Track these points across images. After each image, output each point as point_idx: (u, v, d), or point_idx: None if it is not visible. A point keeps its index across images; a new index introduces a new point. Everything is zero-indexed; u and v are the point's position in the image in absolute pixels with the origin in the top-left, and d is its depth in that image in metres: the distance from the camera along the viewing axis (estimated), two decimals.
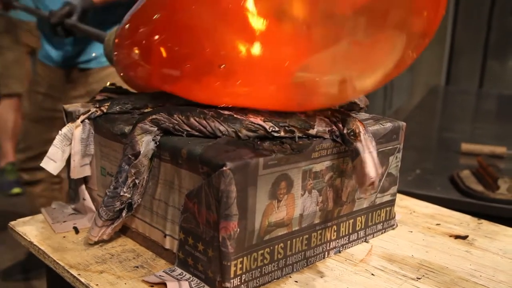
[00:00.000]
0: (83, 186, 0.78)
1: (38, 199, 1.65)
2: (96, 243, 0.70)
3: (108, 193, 0.67)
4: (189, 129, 0.63)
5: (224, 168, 0.56)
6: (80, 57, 1.52)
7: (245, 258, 0.60)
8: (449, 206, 0.91)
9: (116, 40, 0.76)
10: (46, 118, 1.58)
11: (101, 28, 1.10)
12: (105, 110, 0.72)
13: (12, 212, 2.20)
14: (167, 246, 0.66)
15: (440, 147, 1.83)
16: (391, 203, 0.78)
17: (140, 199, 0.68)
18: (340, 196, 0.69)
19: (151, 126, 0.63)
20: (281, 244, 0.64)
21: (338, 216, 0.70)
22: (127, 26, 0.72)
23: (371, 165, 0.65)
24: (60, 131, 0.74)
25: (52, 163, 0.74)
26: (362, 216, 0.74)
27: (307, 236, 0.66)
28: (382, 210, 0.77)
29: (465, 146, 1.63)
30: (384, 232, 0.78)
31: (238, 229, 0.58)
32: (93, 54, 1.50)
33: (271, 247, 0.63)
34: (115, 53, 0.77)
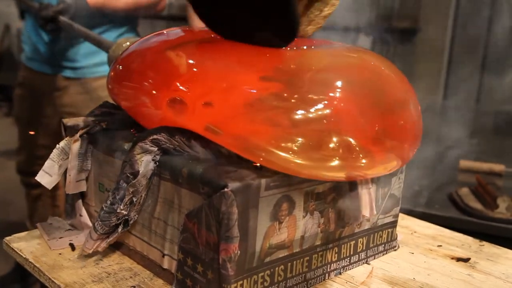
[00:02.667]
0: (80, 202, 0.77)
1: (38, 202, 1.63)
2: (91, 257, 0.69)
3: (104, 208, 0.65)
4: (190, 151, 0.62)
5: (226, 189, 0.55)
6: (68, 63, 1.48)
7: (245, 280, 0.59)
8: (447, 224, 0.90)
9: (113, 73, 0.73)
10: (36, 123, 1.55)
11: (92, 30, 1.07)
12: (104, 126, 0.72)
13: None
14: (165, 266, 0.65)
15: (438, 164, 1.83)
16: (393, 224, 0.77)
17: (137, 216, 0.66)
18: (342, 218, 0.68)
19: (151, 146, 0.62)
20: (282, 266, 0.62)
21: (339, 238, 0.69)
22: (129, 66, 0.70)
23: (366, 204, 0.65)
24: (57, 145, 0.73)
25: (47, 176, 0.73)
26: (364, 238, 0.72)
27: (307, 258, 0.65)
28: (384, 231, 0.76)
29: (464, 163, 1.62)
30: (386, 253, 0.77)
31: (239, 251, 0.57)
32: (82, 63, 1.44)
33: (272, 270, 0.61)
34: (112, 85, 0.74)
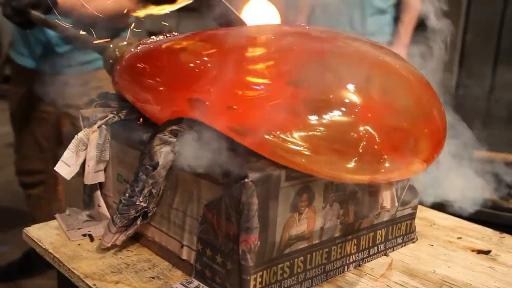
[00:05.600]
0: (98, 192, 0.77)
1: (39, 201, 1.63)
2: (110, 249, 0.68)
3: (123, 201, 0.65)
4: (210, 142, 0.61)
5: (246, 180, 0.54)
6: (64, 60, 1.44)
7: (264, 272, 0.58)
8: (462, 215, 0.88)
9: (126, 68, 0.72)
10: (32, 118, 1.53)
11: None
12: (122, 117, 0.71)
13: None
14: (184, 256, 0.64)
15: (452, 154, 1.80)
16: (412, 216, 0.76)
17: (156, 208, 0.66)
18: (362, 209, 0.67)
19: (170, 137, 0.62)
20: (301, 258, 0.62)
21: (358, 229, 0.68)
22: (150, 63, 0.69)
23: (387, 196, 0.64)
24: (76, 136, 0.73)
25: (66, 167, 0.73)
26: (383, 230, 0.72)
27: (327, 249, 0.65)
28: (403, 223, 0.75)
29: (478, 154, 1.60)
30: (404, 245, 0.76)
31: (259, 242, 0.56)
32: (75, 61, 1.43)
33: (291, 261, 0.61)
34: (120, 80, 0.74)
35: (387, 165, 0.59)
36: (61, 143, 1.50)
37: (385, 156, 0.59)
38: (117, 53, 0.77)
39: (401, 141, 0.62)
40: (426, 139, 0.65)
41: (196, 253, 0.62)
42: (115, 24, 1.35)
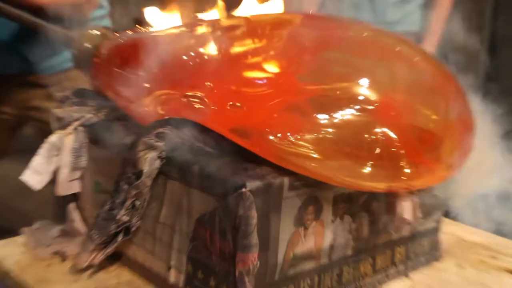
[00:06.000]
0: (73, 205, 0.77)
1: None
2: (85, 270, 0.68)
3: (102, 214, 0.65)
4: (202, 145, 0.62)
5: (243, 189, 0.55)
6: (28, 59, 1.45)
7: None
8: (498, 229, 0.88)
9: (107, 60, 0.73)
10: None
11: None
12: (102, 117, 0.71)
13: None
14: (172, 279, 0.64)
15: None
16: (436, 230, 0.76)
17: (139, 222, 0.66)
18: (377, 222, 0.67)
19: (157, 141, 0.62)
20: (308, 280, 0.62)
21: (374, 247, 0.68)
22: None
23: (408, 206, 0.65)
24: (47, 139, 0.73)
25: (35, 176, 0.72)
26: (402, 246, 0.72)
27: (338, 270, 0.65)
28: (425, 238, 0.75)
29: None
30: (428, 265, 0.76)
31: (258, 263, 0.57)
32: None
33: (296, 284, 0.61)
34: (100, 76, 0.75)
35: (407, 171, 0.60)
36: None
37: (405, 161, 0.60)
38: (88, 44, 0.78)
39: (424, 144, 0.63)
40: (453, 141, 0.66)
41: (185, 276, 0.62)
42: (76, 14, 1.36)
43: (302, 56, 0.63)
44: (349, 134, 0.58)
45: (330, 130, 0.58)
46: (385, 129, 0.59)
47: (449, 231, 0.87)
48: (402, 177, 0.60)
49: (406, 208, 0.65)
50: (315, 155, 0.56)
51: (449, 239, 0.84)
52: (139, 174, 0.62)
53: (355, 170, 0.57)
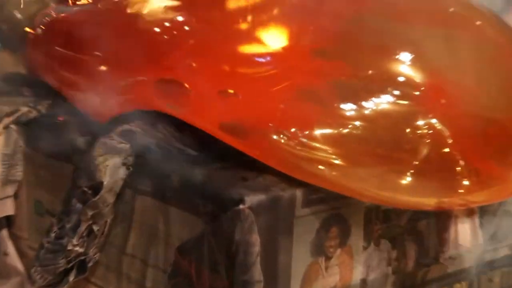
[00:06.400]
0: (5, 232, 0.78)
1: None
2: None
3: (47, 245, 0.67)
4: (182, 148, 0.63)
5: (241, 206, 0.56)
6: None
7: None
8: None
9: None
10: None
11: None
12: (43, 111, 0.73)
13: None
14: None
15: None
16: (511, 260, 0.78)
17: (99, 254, 0.68)
18: (427, 249, 0.69)
19: (121, 143, 0.64)
20: None
21: (423, 283, 0.69)
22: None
23: (465, 228, 0.66)
24: None
25: None
26: (463, 282, 0.73)
27: None
28: (497, 271, 0.77)
29: None
30: None
31: None
32: None
33: None
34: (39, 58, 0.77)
35: (465, 182, 0.61)
36: None
37: (463, 167, 0.60)
38: (19, 15, 0.79)
39: (490, 143, 0.64)
40: None
41: None
42: None
43: (320, 21, 0.64)
44: (384, 130, 0.59)
45: (358, 124, 0.58)
46: (435, 122, 0.60)
47: None
48: (458, 190, 0.61)
49: (463, 231, 0.66)
50: (337, 161, 0.57)
51: None
52: (97, 187, 0.64)
53: (392, 180, 0.58)
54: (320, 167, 0.57)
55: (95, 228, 0.65)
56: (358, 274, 0.64)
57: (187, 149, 0.64)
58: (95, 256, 0.67)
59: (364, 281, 0.65)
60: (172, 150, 0.64)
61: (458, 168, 0.61)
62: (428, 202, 0.61)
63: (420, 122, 0.60)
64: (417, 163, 0.59)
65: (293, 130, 0.57)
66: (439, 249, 0.69)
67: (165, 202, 0.62)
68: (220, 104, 0.59)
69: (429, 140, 0.60)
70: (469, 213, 0.67)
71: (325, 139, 0.58)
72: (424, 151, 0.59)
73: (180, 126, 0.63)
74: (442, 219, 0.67)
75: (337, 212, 0.61)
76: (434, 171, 0.60)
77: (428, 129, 0.60)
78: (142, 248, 0.65)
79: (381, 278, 0.66)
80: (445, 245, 0.68)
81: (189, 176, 0.60)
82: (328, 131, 0.58)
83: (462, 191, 0.61)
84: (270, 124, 0.57)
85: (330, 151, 0.57)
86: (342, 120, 0.59)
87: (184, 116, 0.61)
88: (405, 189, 0.59)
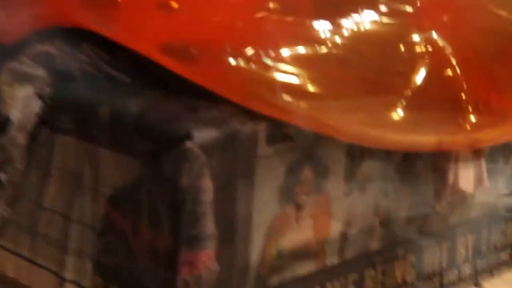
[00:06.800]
0: None
1: None
2: None
3: None
4: (112, 73, 0.67)
5: (189, 143, 0.60)
6: None
7: None
8: None
9: None
10: None
11: None
12: None
13: None
14: None
15: None
16: None
17: (8, 211, 0.73)
18: (423, 195, 0.74)
19: (33, 67, 0.66)
20: None
21: (419, 236, 0.75)
22: None
23: (469, 174, 0.71)
24: None
25: None
26: (469, 236, 0.79)
27: (355, 276, 0.72)
28: (510, 223, 0.83)
29: None
30: None
31: (217, 265, 0.63)
32: None
33: None
34: None
35: (472, 117, 0.66)
36: None
37: (470, 98, 0.66)
38: None
39: (504, 69, 0.69)
40: None
41: None
42: None
43: None
44: (372, 47, 0.63)
45: (338, 42, 0.62)
46: (435, 40, 0.64)
47: None
48: (464, 126, 0.66)
49: (465, 174, 0.72)
50: (311, 87, 0.61)
51: None
52: (2, 125, 0.67)
53: (381, 113, 0.63)
54: (289, 97, 0.61)
55: (2, 177, 0.70)
56: (337, 226, 0.70)
57: (119, 74, 0.67)
58: (4, 212, 0.72)
59: (344, 235, 0.71)
60: (100, 76, 0.67)
61: (464, 97, 0.65)
62: (427, 141, 0.65)
63: (417, 38, 0.64)
64: (413, 90, 0.63)
65: (253, 51, 0.60)
66: (436, 194, 0.75)
67: (92, 142, 0.66)
68: (160, 21, 0.62)
69: (428, 60, 0.64)
70: (475, 153, 0.73)
71: (296, 60, 0.61)
72: (422, 73, 0.64)
73: (110, 46, 0.66)
74: (441, 157, 0.72)
75: (311, 150, 0.66)
76: (434, 102, 0.64)
77: (427, 45, 0.64)
78: (64, 200, 0.70)
79: (366, 231, 0.72)
80: (442, 189, 0.74)
81: (122, 108, 0.64)
82: (299, 50, 0.61)
83: (468, 127, 0.66)
84: (224, 45, 0.60)
85: (302, 76, 0.61)
86: (318, 38, 0.62)
87: (115, 35, 0.64)
88: (398, 125, 0.63)
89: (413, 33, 0.64)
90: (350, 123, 0.62)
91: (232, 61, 0.61)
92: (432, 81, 0.63)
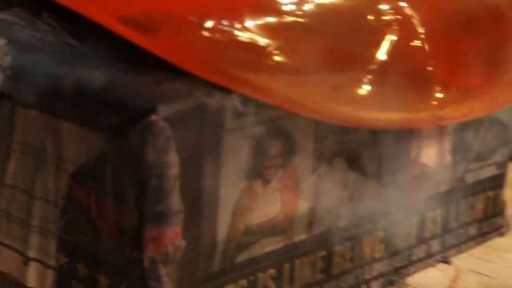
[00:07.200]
0: None
1: None
2: None
3: None
4: (76, 43, 0.66)
5: (153, 116, 0.59)
6: None
7: None
8: None
9: None
10: None
11: None
12: None
13: None
14: (32, 281, 0.69)
15: None
16: (498, 181, 0.84)
17: None
18: (392, 169, 0.74)
19: None
20: (271, 271, 0.69)
21: (386, 212, 0.75)
22: None
23: (431, 152, 0.74)
24: None
25: None
26: (437, 211, 0.79)
27: (324, 252, 0.72)
28: (479, 197, 0.82)
29: None
30: (483, 241, 0.85)
31: (184, 242, 0.62)
32: None
33: (251, 278, 0.68)
34: None
35: (438, 94, 0.65)
36: None
37: (436, 72, 0.66)
38: None
39: (472, 46, 0.68)
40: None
41: (57, 273, 0.67)
42: None
43: None
44: (339, 16, 0.62)
45: (306, 10, 0.61)
46: (403, 8, 0.64)
47: None
48: (429, 104, 0.66)
49: (427, 149, 0.73)
50: (277, 60, 0.60)
51: None
52: None
53: (348, 90, 0.63)
54: (254, 72, 0.61)
55: None
56: (305, 201, 0.70)
57: (83, 46, 0.66)
58: None
59: (313, 211, 0.70)
60: (63, 47, 0.66)
61: (431, 71, 0.65)
62: (393, 119, 0.65)
63: (385, 6, 0.63)
64: (380, 64, 0.63)
65: (217, 22, 0.59)
66: (400, 169, 0.75)
67: (55, 116, 0.65)
68: None
69: (396, 29, 0.63)
70: (439, 129, 0.73)
71: (261, 30, 0.60)
72: (390, 44, 0.63)
73: (74, 16, 0.65)
74: (405, 132, 0.73)
75: (279, 124, 0.65)
76: (401, 76, 0.64)
77: (395, 14, 0.63)
78: (26, 176, 0.69)
79: (335, 206, 0.72)
80: (406, 163, 0.74)
81: (85, 81, 0.62)
82: (264, 20, 0.60)
83: (434, 103, 0.66)
84: (186, 16, 0.60)
85: (267, 47, 0.60)
86: (284, 7, 0.61)
87: (73, 4, 0.63)
88: (365, 102, 0.63)
89: (381, 2, 0.63)
90: (317, 100, 0.61)
91: (194, 33, 0.60)
92: (399, 54, 0.62)
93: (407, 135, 0.73)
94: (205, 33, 0.59)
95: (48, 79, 0.64)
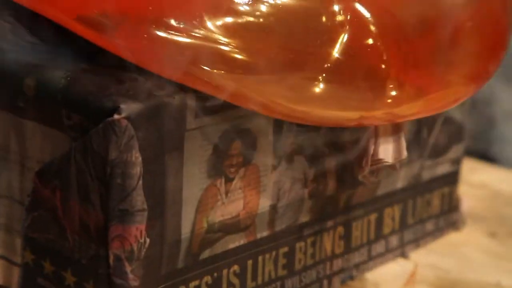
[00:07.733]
0: None
1: None
2: None
3: None
4: (37, 41, 0.64)
5: (116, 116, 0.58)
6: None
7: None
8: None
9: None
10: None
11: None
12: None
13: None
14: None
15: None
16: (453, 178, 0.85)
17: None
18: (350, 166, 0.74)
19: None
20: (235, 268, 0.69)
21: (347, 208, 0.75)
22: None
23: (388, 145, 0.72)
24: None
25: None
26: (395, 207, 0.80)
27: (286, 249, 0.72)
28: (435, 193, 0.83)
29: None
30: (440, 236, 0.85)
31: (148, 240, 0.62)
32: None
33: (215, 275, 0.67)
34: None
35: (392, 92, 0.65)
36: None
37: (389, 71, 0.64)
38: None
39: (425, 43, 0.68)
40: (475, 37, 0.72)
41: (22, 270, 0.67)
42: None
43: None
44: (295, 19, 0.61)
45: (263, 10, 0.60)
46: (355, 7, 0.63)
47: (477, 180, 0.96)
48: (384, 101, 0.65)
49: (384, 146, 0.72)
50: (236, 59, 0.59)
51: (479, 194, 0.93)
52: None
53: (305, 89, 0.61)
54: (214, 71, 0.59)
55: None
56: (266, 199, 0.69)
57: (44, 44, 0.65)
58: None
59: (274, 208, 0.70)
60: (25, 45, 0.65)
61: (384, 68, 0.64)
62: (349, 117, 0.65)
63: (338, 6, 0.63)
64: (334, 63, 0.62)
65: (175, 20, 0.58)
66: (359, 165, 0.74)
67: (18, 114, 0.64)
68: None
69: (348, 29, 0.63)
70: (395, 126, 0.72)
71: (220, 29, 0.59)
72: (343, 44, 0.62)
73: (33, 14, 0.63)
74: (363, 129, 0.72)
75: (240, 122, 0.65)
76: (356, 75, 0.63)
77: (347, 13, 0.63)
78: None
79: (296, 203, 0.72)
80: (363, 159, 0.74)
81: (48, 79, 0.62)
82: (223, 20, 0.59)
83: (388, 101, 0.65)
84: (144, 15, 0.58)
85: (226, 47, 0.59)
86: (241, 7, 0.60)
87: (29, 3, 0.62)
88: (321, 101, 0.62)
89: (335, 2, 0.62)
90: (277, 100, 0.61)
91: (153, 32, 0.58)
92: (353, 52, 0.62)
93: (364, 132, 0.72)
94: (164, 33, 0.58)
95: (9, 78, 0.64)
